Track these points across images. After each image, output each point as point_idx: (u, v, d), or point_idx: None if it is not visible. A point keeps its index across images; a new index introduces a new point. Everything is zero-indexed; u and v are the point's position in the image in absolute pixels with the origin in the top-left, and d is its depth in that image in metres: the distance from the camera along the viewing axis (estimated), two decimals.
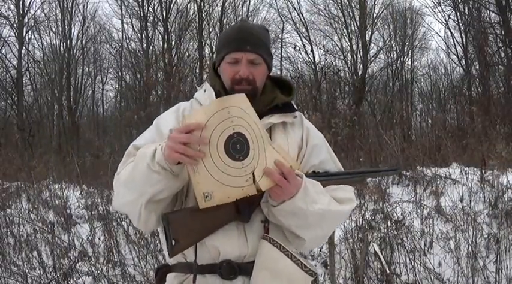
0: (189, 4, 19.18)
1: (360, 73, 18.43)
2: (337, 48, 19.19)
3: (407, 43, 19.61)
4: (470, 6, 16.23)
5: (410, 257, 4.20)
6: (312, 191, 1.51)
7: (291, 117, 1.67)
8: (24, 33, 18.54)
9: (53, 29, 19.71)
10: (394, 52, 19.55)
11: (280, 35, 19.42)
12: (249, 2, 19.94)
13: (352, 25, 19.18)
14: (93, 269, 4.54)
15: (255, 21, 19.71)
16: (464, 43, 16.77)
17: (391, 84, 19.14)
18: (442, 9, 17.36)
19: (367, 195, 5.29)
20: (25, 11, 18.58)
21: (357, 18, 18.92)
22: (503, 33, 14.56)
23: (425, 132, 12.34)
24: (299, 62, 19.37)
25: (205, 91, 1.67)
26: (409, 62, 19.69)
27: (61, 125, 18.82)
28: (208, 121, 1.40)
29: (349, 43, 19.09)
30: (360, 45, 18.80)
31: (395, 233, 4.41)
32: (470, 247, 4.21)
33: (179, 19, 19.34)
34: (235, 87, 1.59)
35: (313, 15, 19.94)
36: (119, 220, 5.23)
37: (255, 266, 1.51)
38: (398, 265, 4.25)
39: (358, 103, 14.63)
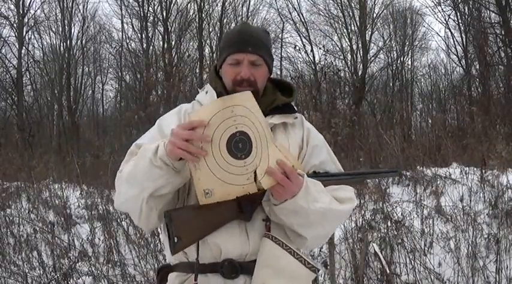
0: (189, 4, 19.21)
1: (360, 73, 18.43)
2: (337, 48, 19.22)
3: (407, 43, 19.63)
4: (470, 6, 16.23)
5: (410, 257, 4.20)
6: (313, 190, 1.52)
7: (292, 118, 1.68)
8: (24, 33, 18.55)
9: (53, 29, 19.75)
10: (394, 52, 19.59)
11: (280, 35, 19.45)
12: (249, 2, 19.97)
13: (352, 25, 19.21)
14: (93, 269, 4.54)
15: (255, 21, 19.75)
16: (464, 43, 16.78)
17: (391, 84, 19.15)
18: (442, 9, 17.38)
19: (367, 195, 5.29)
20: (25, 11, 18.61)
21: (357, 18, 18.93)
22: (503, 33, 14.57)
23: (425, 132, 12.35)
24: (299, 62, 19.41)
25: (206, 92, 1.68)
26: (409, 62, 19.74)
27: (61, 125, 18.83)
28: (211, 119, 1.41)
29: (349, 43, 19.11)
30: (360, 45, 18.81)
31: (395, 233, 4.41)
32: (470, 247, 4.21)
33: (179, 19, 19.35)
34: (236, 88, 1.60)
35: (313, 15, 19.98)
36: (118, 220, 5.23)
37: (257, 264, 1.52)
38: (398, 265, 4.25)
39: (358, 103, 14.63)
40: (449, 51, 17.99)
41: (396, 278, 4.15)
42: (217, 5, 19.63)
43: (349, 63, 18.85)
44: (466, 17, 16.76)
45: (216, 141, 1.41)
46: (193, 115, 1.45)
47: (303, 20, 19.56)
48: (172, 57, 18.40)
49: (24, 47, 18.49)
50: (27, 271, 4.68)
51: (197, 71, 18.65)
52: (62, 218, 5.80)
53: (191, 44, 19.71)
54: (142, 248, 4.77)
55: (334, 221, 1.64)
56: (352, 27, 19.17)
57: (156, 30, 19.38)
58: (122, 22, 19.65)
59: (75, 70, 19.98)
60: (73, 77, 19.78)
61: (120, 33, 19.87)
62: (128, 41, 19.58)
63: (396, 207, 4.81)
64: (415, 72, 19.66)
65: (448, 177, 5.88)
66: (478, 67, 15.49)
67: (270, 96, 1.67)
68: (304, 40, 19.41)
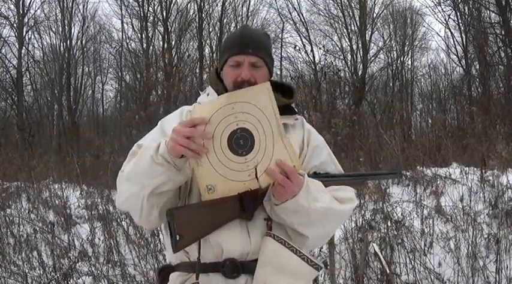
0: (189, 4, 19.21)
1: (360, 73, 18.44)
2: (337, 48, 19.23)
3: (407, 43, 19.63)
4: (470, 6, 16.24)
5: (410, 257, 4.20)
6: (313, 190, 1.53)
7: (292, 119, 1.70)
8: (24, 33, 18.56)
9: (53, 29, 19.76)
10: (394, 52, 19.59)
11: (280, 35, 19.47)
12: (249, 2, 19.98)
13: (352, 25, 19.22)
14: (93, 269, 4.54)
15: (254, 21, 19.76)
16: (464, 43, 16.78)
17: (391, 84, 19.16)
18: (442, 9, 17.39)
19: (367, 195, 5.29)
20: (25, 11, 18.62)
21: (357, 18, 18.93)
22: (503, 33, 14.57)
23: (425, 132, 12.36)
24: (299, 62, 19.42)
25: (208, 95, 1.70)
26: (409, 62, 19.75)
27: (61, 125, 18.83)
28: (212, 116, 1.41)
29: (349, 43, 19.12)
30: (360, 45, 18.81)
31: (395, 233, 4.41)
32: (470, 247, 4.21)
33: (179, 19, 19.36)
34: (237, 89, 1.60)
35: (313, 15, 19.99)
36: (118, 220, 5.23)
37: (259, 262, 1.52)
38: (398, 265, 4.25)
39: (358, 103, 14.65)
40: (449, 51, 18.03)
41: (396, 278, 4.16)
42: (217, 5, 19.67)
43: (349, 63, 18.87)
44: (466, 17, 16.77)
45: (217, 138, 1.42)
46: (194, 113, 1.46)
47: (303, 20, 19.60)
48: (172, 57, 18.41)
49: (24, 47, 18.51)
50: (27, 271, 4.68)
51: (197, 71, 18.67)
52: (62, 218, 5.80)
53: (191, 44, 19.73)
54: (142, 248, 4.77)
55: (335, 221, 1.65)
56: (352, 27, 19.20)
57: (156, 30, 19.39)
58: (122, 22, 19.69)
59: (75, 70, 19.98)
60: (73, 77, 19.78)
61: (120, 33, 19.92)
62: (127, 41, 19.62)
63: (396, 207, 4.81)
64: (415, 72, 19.69)
65: (448, 177, 5.89)
66: (478, 67, 15.50)
67: None
68: (304, 40, 19.46)
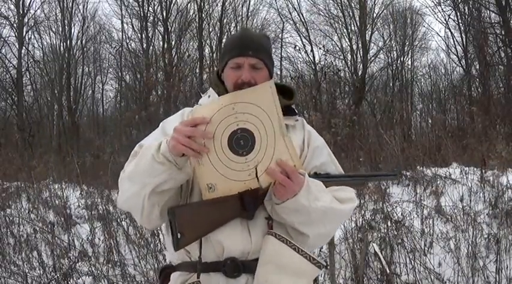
0: (189, 4, 19.20)
1: (360, 73, 18.43)
2: (337, 48, 19.22)
3: (407, 43, 19.63)
4: (470, 6, 16.23)
5: (410, 257, 4.21)
6: (314, 189, 1.54)
7: (293, 120, 1.71)
8: (24, 33, 18.55)
9: (53, 29, 19.74)
10: (394, 52, 19.58)
11: (280, 35, 19.46)
12: (249, 2, 19.96)
13: (352, 25, 19.21)
14: (93, 269, 4.54)
15: (254, 21, 19.77)
16: (464, 43, 16.78)
17: (391, 84, 19.15)
18: (442, 9, 17.38)
19: (367, 195, 5.29)
20: (25, 11, 18.61)
21: (357, 18, 18.93)
22: (503, 33, 14.57)
23: (425, 132, 12.36)
24: (299, 62, 19.41)
25: (209, 97, 1.71)
26: (409, 62, 19.73)
27: (61, 125, 18.83)
28: (213, 116, 1.42)
29: (349, 43, 19.11)
30: (360, 45, 18.81)
31: (395, 233, 4.41)
32: (470, 247, 4.21)
33: (179, 19, 19.35)
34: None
35: (313, 15, 19.98)
36: (118, 220, 5.23)
37: (260, 261, 1.53)
38: (398, 265, 4.25)
39: (358, 103, 14.65)
40: (449, 51, 18.02)
41: (396, 278, 4.16)
42: (217, 5, 19.66)
43: (349, 63, 18.86)
44: (466, 17, 16.76)
45: (218, 138, 1.43)
46: (195, 113, 1.47)
47: (303, 20, 19.59)
48: (172, 57, 18.40)
49: (24, 47, 18.50)
50: (27, 271, 4.68)
51: (197, 71, 18.66)
52: (62, 218, 5.80)
53: (191, 44, 19.72)
54: (142, 248, 4.77)
55: (335, 220, 1.66)
56: (352, 27, 19.19)
57: (156, 30, 19.39)
58: (122, 22, 19.67)
59: (75, 70, 19.98)
60: (73, 77, 19.78)
61: (120, 33, 19.90)
62: (128, 41, 19.60)
63: (396, 207, 4.81)
64: (415, 72, 19.68)
65: (448, 177, 5.89)
66: (478, 67, 15.50)
67: None
68: (304, 40, 19.44)
